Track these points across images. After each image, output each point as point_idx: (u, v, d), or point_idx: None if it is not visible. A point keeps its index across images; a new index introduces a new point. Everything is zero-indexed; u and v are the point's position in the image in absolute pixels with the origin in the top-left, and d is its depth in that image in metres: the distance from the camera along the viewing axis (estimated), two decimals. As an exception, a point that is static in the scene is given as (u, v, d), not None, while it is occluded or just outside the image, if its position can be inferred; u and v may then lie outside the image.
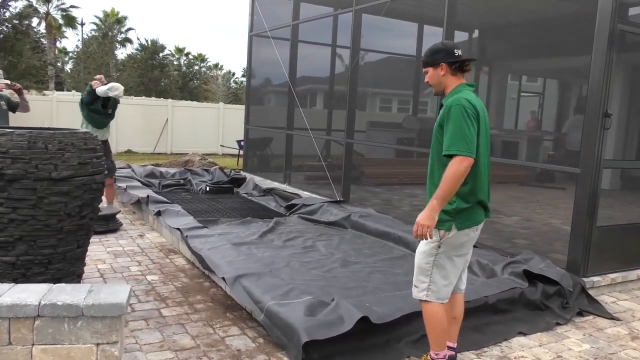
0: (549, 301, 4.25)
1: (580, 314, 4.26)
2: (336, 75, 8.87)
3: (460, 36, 6.92)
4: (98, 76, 6.66)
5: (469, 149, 2.72)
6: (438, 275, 2.94)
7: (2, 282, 3.21)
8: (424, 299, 2.98)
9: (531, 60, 6.60)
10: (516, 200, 6.63)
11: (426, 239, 2.83)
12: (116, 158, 14.07)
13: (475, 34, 7.32)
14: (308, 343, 3.16)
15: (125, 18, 39.16)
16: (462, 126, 2.74)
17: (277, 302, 3.59)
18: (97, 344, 2.80)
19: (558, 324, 4.04)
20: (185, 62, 41.21)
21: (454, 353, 3.17)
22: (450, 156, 2.74)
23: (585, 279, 4.64)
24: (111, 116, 6.79)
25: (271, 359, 3.30)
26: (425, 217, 2.78)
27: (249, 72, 11.84)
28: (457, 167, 2.71)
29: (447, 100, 2.90)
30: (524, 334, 3.83)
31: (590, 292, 4.55)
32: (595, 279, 4.75)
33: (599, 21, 4.52)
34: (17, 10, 19.14)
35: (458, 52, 2.95)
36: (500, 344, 3.66)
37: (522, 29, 6.27)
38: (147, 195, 6.99)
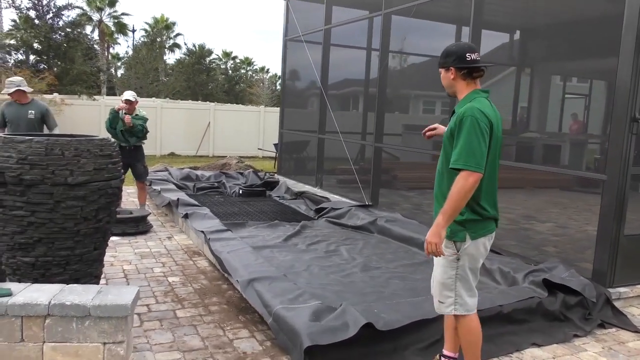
0: (569, 312, 4.10)
1: (602, 325, 4.10)
2: (367, 78, 8.85)
3: (489, 35, 6.75)
4: None
5: (477, 164, 2.62)
6: (462, 289, 2.86)
7: (22, 282, 3.41)
8: (453, 313, 2.91)
9: (573, 62, 6.35)
10: (554, 205, 6.40)
11: (437, 255, 2.76)
12: (159, 161, 14.52)
13: (517, 35, 7.11)
14: (312, 348, 3.18)
15: (174, 24, 40.35)
16: (473, 140, 2.64)
17: (285, 307, 3.63)
18: (104, 343, 2.92)
19: (576, 335, 3.91)
20: (232, 65, 42.04)
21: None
22: (458, 170, 2.66)
23: (611, 290, 4.46)
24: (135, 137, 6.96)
25: (275, 362, 3.34)
26: (432, 233, 2.72)
27: (283, 77, 11.98)
28: (464, 183, 2.61)
29: (459, 108, 2.80)
30: (539, 345, 3.72)
31: (617, 303, 4.36)
32: (622, 289, 4.55)
33: (627, 21, 4.34)
34: (70, 18, 20.07)
35: (472, 56, 2.80)
36: (511, 355, 3.57)
37: (563, 29, 6.04)
38: (178, 198, 7.18)
